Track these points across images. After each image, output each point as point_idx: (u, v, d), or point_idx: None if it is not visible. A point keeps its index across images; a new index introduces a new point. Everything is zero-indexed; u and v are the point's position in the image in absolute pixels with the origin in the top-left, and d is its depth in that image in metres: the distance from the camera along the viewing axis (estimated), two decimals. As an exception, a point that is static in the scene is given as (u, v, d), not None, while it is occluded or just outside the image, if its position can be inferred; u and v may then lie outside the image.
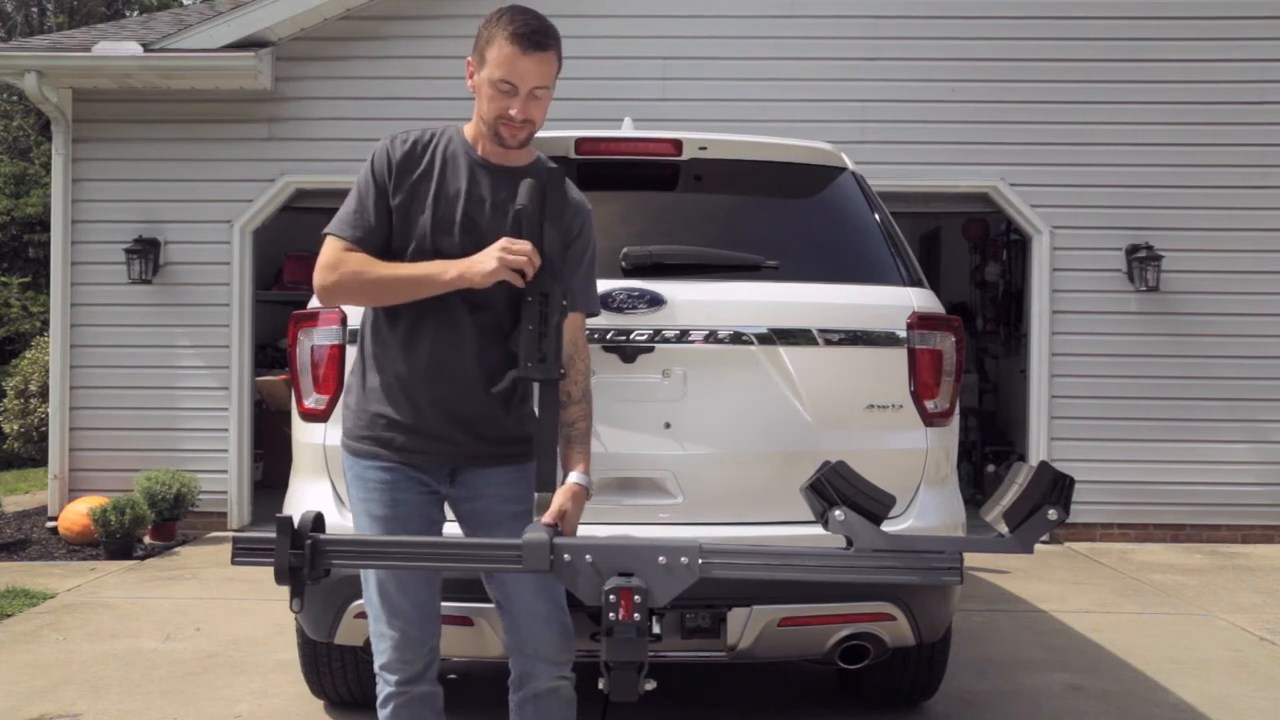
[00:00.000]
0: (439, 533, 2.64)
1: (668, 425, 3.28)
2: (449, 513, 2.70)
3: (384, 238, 2.57)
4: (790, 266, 3.45)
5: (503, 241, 2.45)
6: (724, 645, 3.28)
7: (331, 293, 2.58)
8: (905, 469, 3.39)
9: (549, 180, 2.60)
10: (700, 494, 3.27)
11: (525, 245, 2.44)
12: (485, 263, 2.44)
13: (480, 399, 2.60)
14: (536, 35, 2.46)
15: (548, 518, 2.41)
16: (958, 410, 3.56)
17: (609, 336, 3.24)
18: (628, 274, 3.33)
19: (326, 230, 2.60)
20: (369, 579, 2.61)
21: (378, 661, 2.62)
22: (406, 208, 2.57)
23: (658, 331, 3.27)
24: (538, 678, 2.64)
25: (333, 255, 2.56)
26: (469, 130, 2.65)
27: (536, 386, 2.50)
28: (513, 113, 2.49)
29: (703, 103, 7.83)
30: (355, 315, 3.22)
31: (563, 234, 2.61)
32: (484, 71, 2.51)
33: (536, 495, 2.41)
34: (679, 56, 7.97)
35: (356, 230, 2.56)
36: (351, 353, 3.14)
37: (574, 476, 2.54)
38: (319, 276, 2.57)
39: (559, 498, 2.48)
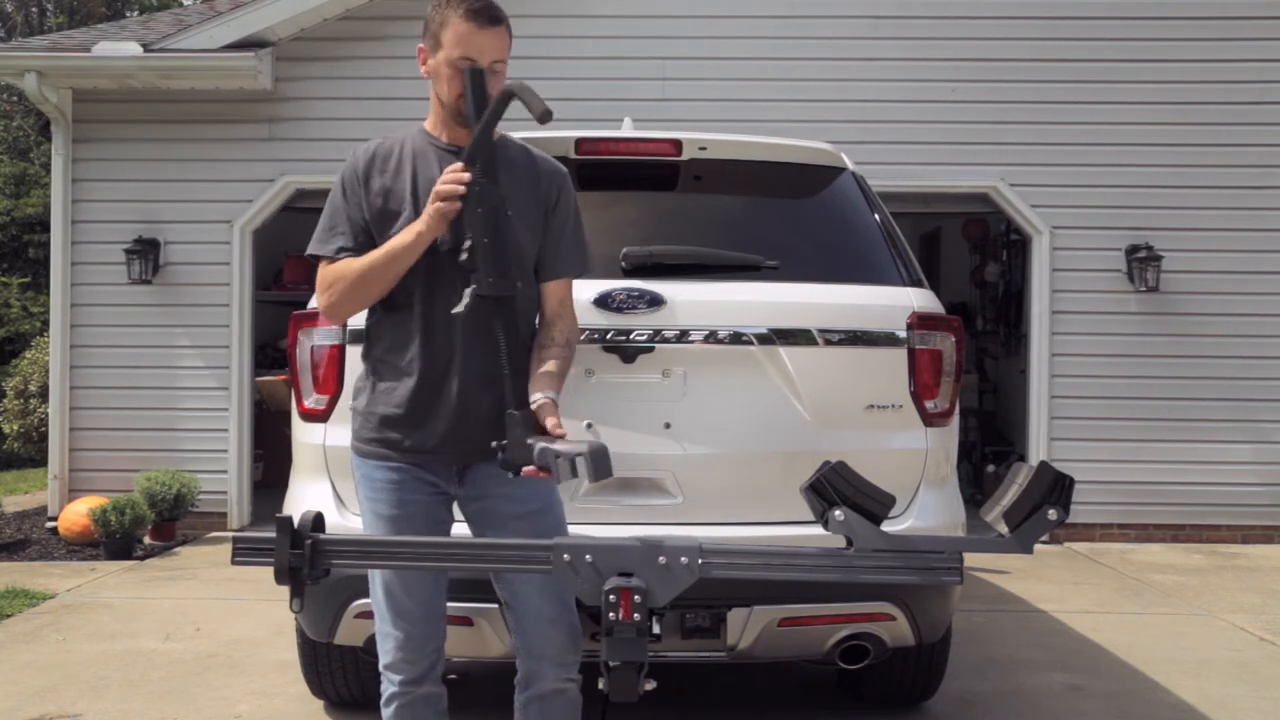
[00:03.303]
0: (446, 533, 2.63)
1: (668, 425, 3.28)
2: (457, 513, 2.70)
3: (362, 244, 2.58)
4: (790, 266, 3.45)
5: (436, 186, 2.45)
6: (724, 645, 3.28)
7: (334, 309, 2.63)
8: (905, 469, 3.38)
9: (506, 149, 2.64)
10: (700, 494, 3.27)
11: (450, 175, 2.42)
12: (429, 212, 2.45)
13: (489, 397, 2.59)
14: (490, 10, 2.52)
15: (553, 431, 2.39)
16: (958, 410, 3.56)
17: (609, 336, 3.24)
18: (628, 274, 3.33)
19: (309, 253, 2.64)
20: (375, 579, 2.61)
21: (382, 661, 2.63)
22: (382, 210, 2.58)
23: (658, 331, 3.27)
24: (544, 678, 2.64)
25: (323, 275, 2.61)
26: (429, 124, 2.68)
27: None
28: None
29: (703, 103, 7.83)
30: (356, 316, 3.22)
31: (541, 202, 2.64)
32: (440, 54, 2.55)
33: (508, 414, 2.39)
34: (679, 56, 7.97)
35: (336, 241, 2.59)
36: (353, 352, 3.14)
37: (545, 395, 2.49)
38: (318, 301, 2.64)
39: (547, 413, 2.44)
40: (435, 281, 2.55)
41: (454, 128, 2.60)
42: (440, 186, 2.43)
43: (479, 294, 2.38)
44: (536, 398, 2.48)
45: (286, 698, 4.29)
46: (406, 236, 2.49)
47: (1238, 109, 7.97)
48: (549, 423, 2.42)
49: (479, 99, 2.45)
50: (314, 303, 3.37)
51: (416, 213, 2.53)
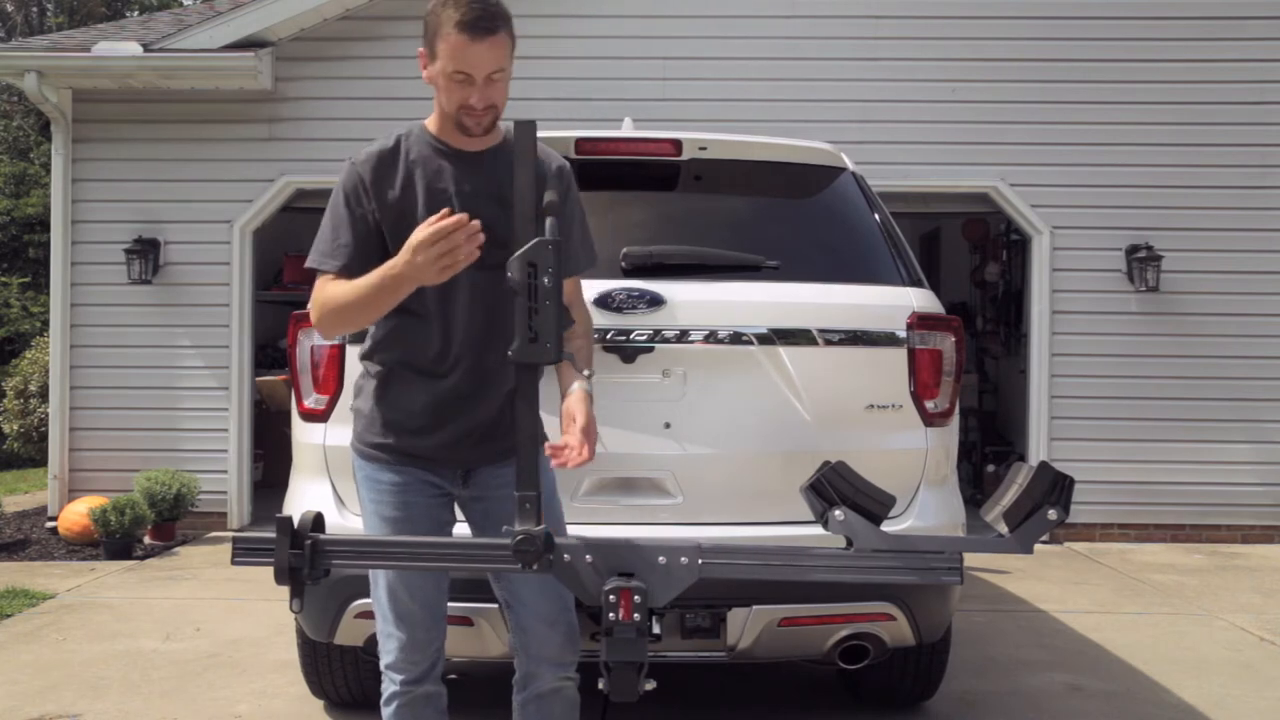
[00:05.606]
0: (448, 534, 2.62)
1: (668, 425, 3.28)
2: (459, 514, 2.70)
3: (367, 259, 2.46)
4: (790, 266, 3.45)
5: (421, 233, 2.21)
6: (724, 645, 3.28)
7: (326, 330, 2.56)
8: (905, 469, 3.39)
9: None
10: (700, 494, 3.27)
11: (441, 225, 2.18)
12: (425, 271, 2.23)
13: (497, 404, 2.58)
14: (483, 21, 2.36)
15: (567, 433, 2.39)
16: (958, 410, 3.56)
17: (609, 336, 3.24)
18: (628, 274, 3.33)
19: (308, 265, 2.56)
20: (378, 581, 2.60)
21: (384, 660, 2.63)
22: (397, 223, 2.48)
23: (658, 331, 3.27)
24: (541, 678, 2.64)
25: (318, 292, 2.50)
26: (432, 124, 2.58)
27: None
28: (473, 102, 2.43)
29: (703, 103, 7.82)
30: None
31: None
32: (437, 64, 2.45)
33: (516, 495, 2.16)
34: (679, 56, 7.97)
35: (336, 259, 2.49)
36: (353, 352, 3.13)
37: (579, 383, 2.51)
38: (313, 315, 2.53)
39: (579, 407, 2.44)
40: (451, 290, 2.47)
41: (457, 133, 2.52)
42: (440, 245, 2.18)
43: (511, 360, 2.15)
44: (575, 388, 2.49)
45: (286, 698, 4.29)
46: (399, 285, 2.31)
47: (1238, 109, 7.97)
48: (579, 422, 2.40)
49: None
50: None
51: None
